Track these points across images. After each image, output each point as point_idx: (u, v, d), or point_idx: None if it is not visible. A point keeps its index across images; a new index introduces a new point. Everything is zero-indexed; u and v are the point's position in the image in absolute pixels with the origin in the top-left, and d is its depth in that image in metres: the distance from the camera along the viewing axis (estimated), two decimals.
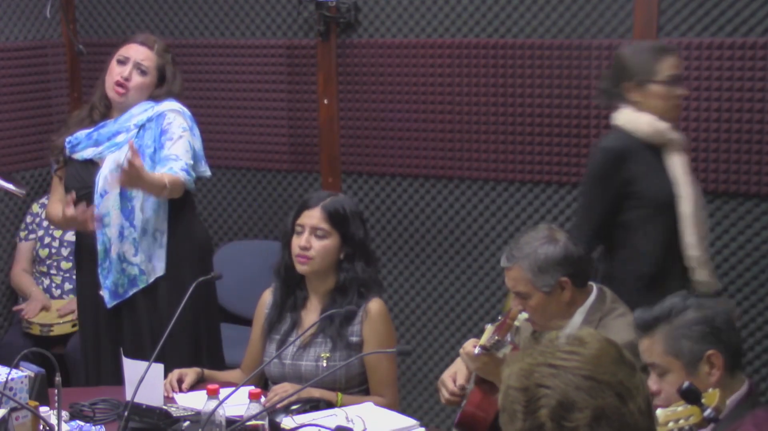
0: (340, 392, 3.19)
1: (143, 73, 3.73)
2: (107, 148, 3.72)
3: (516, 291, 3.05)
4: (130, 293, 3.72)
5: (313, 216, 3.26)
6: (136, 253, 3.70)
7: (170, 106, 3.74)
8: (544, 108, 4.27)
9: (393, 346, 3.27)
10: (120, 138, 3.70)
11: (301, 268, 3.27)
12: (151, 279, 3.71)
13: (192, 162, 3.68)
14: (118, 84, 3.70)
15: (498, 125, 4.37)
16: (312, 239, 3.24)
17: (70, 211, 3.60)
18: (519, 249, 3.06)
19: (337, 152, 4.71)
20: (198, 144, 3.76)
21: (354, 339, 3.24)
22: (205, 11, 4.92)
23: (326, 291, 3.30)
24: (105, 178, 3.67)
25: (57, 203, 3.82)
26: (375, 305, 3.26)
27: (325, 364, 3.21)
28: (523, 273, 3.03)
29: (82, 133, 3.76)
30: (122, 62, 3.73)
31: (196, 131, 3.78)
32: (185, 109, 3.77)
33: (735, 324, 2.49)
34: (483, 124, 4.39)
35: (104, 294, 3.73)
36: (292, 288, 3.35)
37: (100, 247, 3.71)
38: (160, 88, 3.77)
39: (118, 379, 3.61)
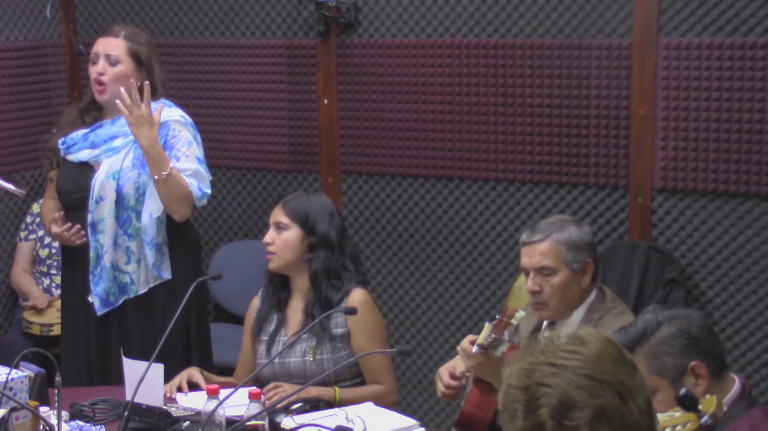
0: (331, 385, 3.20)
1: (115, 63, 3.65)
2: (104, 152, 3.68)
3: (541, 267, 3.07)
4: (121, 301, 3.70)
5: (275, 213, 3.36)
6: (128, 262, 3.68)
7: (172, 115, 3.68)
8: (544, 108, 4.27)
9: (381, 334, 3.35)
10: (117, 142, 3.66)
11: (269, 265, 3.35)
12: (144, 290, 3.68)
13: (208, 189, 3.67)
14: (96, 82, 3.66)
15: (498, 125, 4.37)
16: (274, 234, 3.33)
17: (56, 228, 3.64)
18: (549, 226, 3.11)
19: (337, 152, 4.71)
20: (201, 152, 3.72)
21: (338, 331, 3.28)
22: (205, 11, 4.92)
23: (306, 287, 3.35)
24: (101, 183, 3.64)
25: (50, 200, 3.83)
26: (356, 295, 3.29)
27: (311, 358, 3.24)
28: (556, 246, 3.07)
29: (77, 134, 3.72)
30: (94, 61, 3.68)
31: (199, 138, 3.74)
32: (187, 117, 3.72)
33: (711, 328, 2.48)
34: (483, 124, 4.39)
35: (94, 301, 3.69)
36: (275, 286, 3.41)
37: (92, 254, 3.68)
38: (140, 74, 3.66)
39: (102, 382, 3.62)
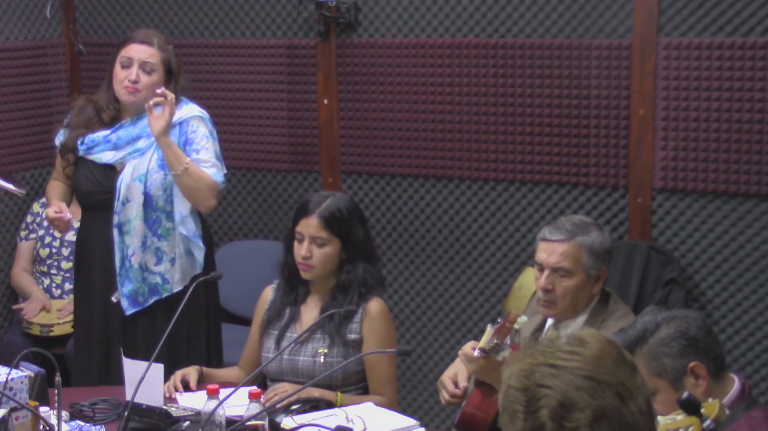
0: (337, 390, 3.20)
1: (150, 72, 3.69)
2: (129, 154, 3.71)
3: (558, 267, 3.05)
4: (151, 301, 3.72)
5: (310, 225, 3.27)
6: (159, 262, 3.70)
7: (192, 111, 3.74)
8: (544, 108, 4.27)
9: (392, 345, 3.29)
10: (141, 143, 3.69)
11: (305, 275, 3.31)
12: (178, 288, 3.70)
13: (223, 175, 3.73)
14: (128, 87, 3.68)
15: (498, 125, 4.36)
16: (312, 247, 3.26)
17: (52, 212, 3.68)
18: (574, 227, 3.08)
19: (337, 152, 4.71)
20: (217, 147, 3.79)
21: (353, 336, 3.25)
22: (205, 11, 4.92)
23: (327, 289, 3.32)
24: (127, 186, 3.67)
25: (56, 182, 3.87)
26: (375, 304, 3.27)
27: (322, 360, 3.23)
28: (578, 250, 3.05)
29: (98, 135, 3.73)
30: (126, 65, 3.70)
31: (215, 134, 3.81)
32: (205, 113, 3.78)
33: (710, 329, 2.47)
34: (483, 124, 4.39)
35: (120, 300, 3.72)
36: (294, 285, 3.37)
37: (118, 254, 3.71)
38: (169, 83, 3.73)
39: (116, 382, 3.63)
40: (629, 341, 2.44)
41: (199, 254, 3.72)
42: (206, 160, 3.69)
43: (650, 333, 2.43)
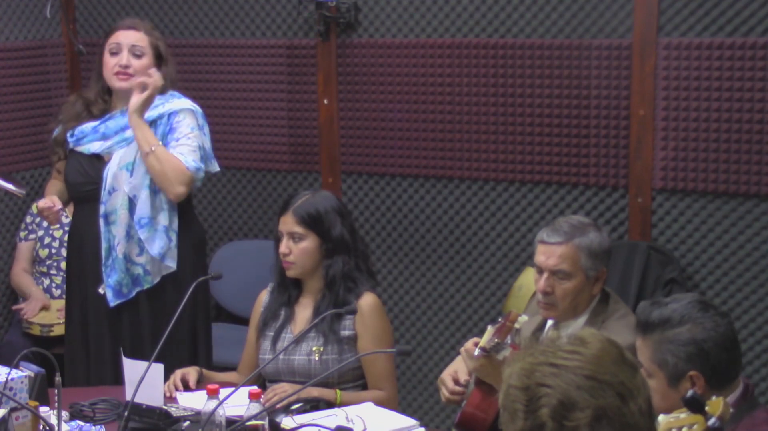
0: (335, 387, 3.21)
1: (140, 55, 3.70)
2: (116, 143, 3.70)
3: (557, 270, 3.04)
4: (134, 293, 3.71)
5: (287, 222, 3.31)
6: (141, 253, 3.69)
7: (183, 104, 3.73)
8: (544, 108, 4.27)
9: (388, 340, 3.33)
10: (129, 133, 3.68)
11: (288, 273, 3.34)
12: (157, 279, 3.70)
13: (201, 163, 3.68)
14: (119, 73, 3.69)
15: (498, 125, 4.37)
16: (290, 244, 3.30)
17: (42, 203, 3.67)
18: (572, 228, 3.06)
19: (337, 152, 4.71)
20: (207, 143, 3.77)
21: (346, 333, 3.27)
22: (205, 11, 4.92)
23: (318, 288, 3.34)
24: (114, 175, 3.67)
25: (55, 180, 3.87)
26: (367, 299, 3.29)
27: (317, 358, 3.24)
28: (576, 252, 3.03)
29: (87, 126, 3.74)
30: (115, 52, 3.71)
31: (207, 130, 3.78)
32: (198, 108, 3.77)
33: (732, 346, 2.43)
34: (483, 124, 4.39)
35: (107, 292, 3.71)
36: (286, 286, 3.39)
37: (104, 245, 3.70)
38: (158, 68, 3.72)
39: (113, 378, 3.62)
40: (652, 320, 2.42)
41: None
42: (184, 148, 3.65)
43: (671, 326, 2.41)
